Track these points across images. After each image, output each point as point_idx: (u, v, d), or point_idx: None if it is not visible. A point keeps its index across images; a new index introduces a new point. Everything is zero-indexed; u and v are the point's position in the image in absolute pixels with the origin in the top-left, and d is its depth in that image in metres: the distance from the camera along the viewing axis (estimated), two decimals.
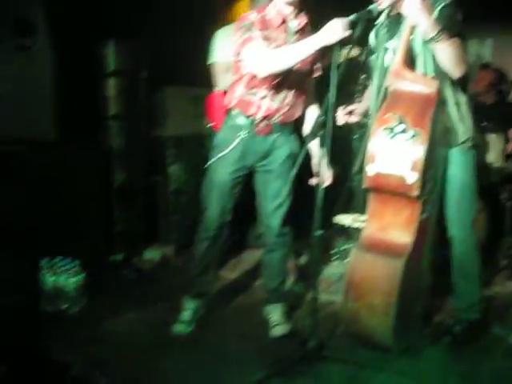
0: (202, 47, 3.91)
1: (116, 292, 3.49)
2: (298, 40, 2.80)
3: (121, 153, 4.12)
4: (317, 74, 3.01)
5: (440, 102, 2.62)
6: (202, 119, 4.19)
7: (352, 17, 2.52)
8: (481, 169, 3.45)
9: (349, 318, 2.65)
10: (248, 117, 2.88)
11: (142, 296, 3.47)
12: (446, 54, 2.54)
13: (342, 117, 3.01)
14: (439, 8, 2.59)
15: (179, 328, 2.99)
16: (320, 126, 2.50)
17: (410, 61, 2.68)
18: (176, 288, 3.36)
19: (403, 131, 2.44)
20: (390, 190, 2.52)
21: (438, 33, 2.47)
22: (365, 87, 4.08)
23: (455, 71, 2.60)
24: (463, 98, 2.78)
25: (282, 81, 2.82)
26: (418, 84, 2.58)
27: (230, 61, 3.17)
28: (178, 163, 4.53)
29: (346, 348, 2.72)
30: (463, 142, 2.79)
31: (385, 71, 2.83)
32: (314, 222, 2.51)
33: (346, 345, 2.74)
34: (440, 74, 2.68)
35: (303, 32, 2.86)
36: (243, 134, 2.88)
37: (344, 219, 3.99)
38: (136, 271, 3.89)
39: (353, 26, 2.53)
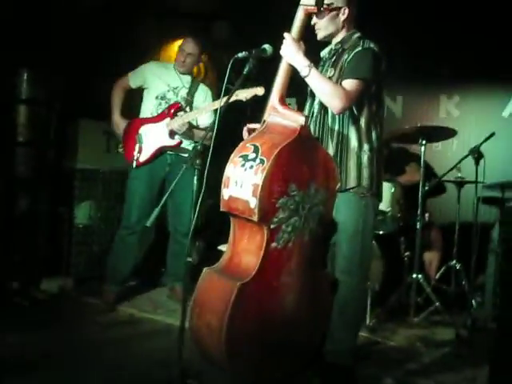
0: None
1: (5, 317, 3.53)
2: None
3: (25, 181, 4.16)
4: None
5: (310, 138, 2.72)
6: (112, 154, 4.37)
7: (241, 54, 2.67)
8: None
9: (194, 336, 2.66)
10: None
11: (31, 322, 3.52)
12: (317, 89, 2.74)
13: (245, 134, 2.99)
14: (354, 52, 2.80)
15: None
16: (198, 154, 2.61)
17: None
18: (67, 317, 3.61)
19: (253, 159, 2.53)
20: (238, 214, 2.59)
21: (305, 70, 2.68)
22: None
23: (330, 106, 2.75)
24: (367, 146, 2.86)
25: None
26: (287, 118, 2.67)
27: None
28: (84, 196, 4.65)
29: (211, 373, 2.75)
30: (352, 188, 2.85)
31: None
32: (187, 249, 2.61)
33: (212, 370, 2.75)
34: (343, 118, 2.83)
35: None
36: None
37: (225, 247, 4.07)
38: (30, 299, 3.92)
39: (241, 63, 2.66)
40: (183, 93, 4.15)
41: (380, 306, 4.02)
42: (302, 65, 2.69)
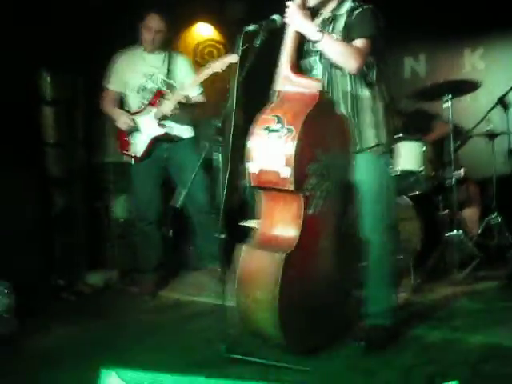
0: None
1: (53, 312, 3.63)
2: None
3: (59, 179, 4.26)
4: None
5: (328, 103, 2.73)
6: None
7: (251, 27, 2.67)
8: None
9: (242, 314, 2.69)
10: None
11: (78, 316, 3.61)
12: (332, 52, 2.69)
13: None
14: (355, 13, 2.76)
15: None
16: (217, 132, 2.62)
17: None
18: (115, 307, 3.71)
19: (278, 129, 2.53)
20: (271, 187, 2.60)
21: (317, 35, 2.64)
22: None
23: (347, 66, 2.71)
24: (381, 104, 2.85)
25: None
26: (302, 86, 2.67)
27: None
28: (119, 189, 4.69)
29: (255, 347, 2.77)
30: (372, 147, 2.84)
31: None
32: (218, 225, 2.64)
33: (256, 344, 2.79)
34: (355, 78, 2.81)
35: None
36: None
37: (251, 223, 4.08)
38: (76, 294, 4.01)
39: (253, 36, 2.65)
40: (161, 76, 4.01)
41: (422, 267, 3.99)
42: (313, 30, 2.66)
